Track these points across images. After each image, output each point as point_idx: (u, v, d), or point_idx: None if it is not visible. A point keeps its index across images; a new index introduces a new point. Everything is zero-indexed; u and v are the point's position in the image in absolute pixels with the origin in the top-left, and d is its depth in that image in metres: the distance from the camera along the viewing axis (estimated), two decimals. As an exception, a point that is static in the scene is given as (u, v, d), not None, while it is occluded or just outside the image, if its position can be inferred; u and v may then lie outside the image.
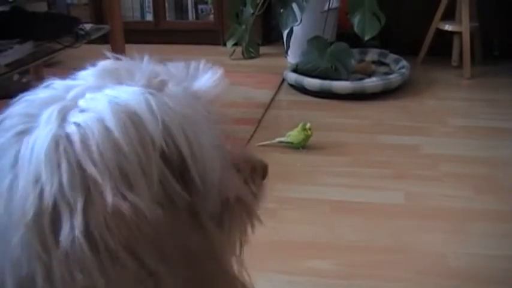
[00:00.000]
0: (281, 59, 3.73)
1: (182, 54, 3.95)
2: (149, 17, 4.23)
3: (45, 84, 0.64)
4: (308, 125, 2.39)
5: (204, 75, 0.69)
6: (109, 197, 0.51)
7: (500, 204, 1.99)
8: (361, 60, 3.46)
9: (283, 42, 3.59)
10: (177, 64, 0.67)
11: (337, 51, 3.16)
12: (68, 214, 0.51)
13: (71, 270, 0.51)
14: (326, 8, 3.38)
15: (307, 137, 2.39)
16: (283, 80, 3.28)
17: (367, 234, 1.83)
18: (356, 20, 3.06)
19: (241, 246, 0.72)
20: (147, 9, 4.22)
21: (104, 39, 2.83)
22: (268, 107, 2.91)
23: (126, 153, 0.53)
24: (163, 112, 0.56)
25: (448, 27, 3.44)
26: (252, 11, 3.59)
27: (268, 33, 4.13)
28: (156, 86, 0.60)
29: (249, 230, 0.71)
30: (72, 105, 0.57)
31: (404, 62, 3.29)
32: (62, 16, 3.08)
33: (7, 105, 0.67)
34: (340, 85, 2.99)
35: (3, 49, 2.24)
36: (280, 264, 1.67)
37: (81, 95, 0.58)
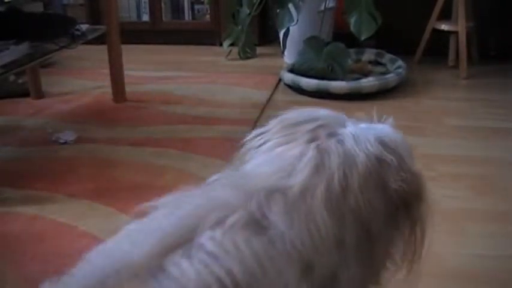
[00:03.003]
0: (278, 59, 3.73)
1: (179, 55, 3.95)
2: (145, 18, 4.23)
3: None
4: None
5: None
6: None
7: (497, 204, 1.99)
8: (358, 60, 3.46)
9: (279, 42, 3.59)
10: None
11: (333, 51, 3.16)
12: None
13: None
14: (322, 8, 3.38)
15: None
16: (280, 80, 3.28)
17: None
18: (352, 20, 3.06)
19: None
20: (143, 9, 4.22)
21: (100, 40, 2.83)
22: (264, 107, 2.91)
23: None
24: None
25: (444, 27, 3.45)
26: (248, 11, 3.59)
27: (265, 33, 4.13)
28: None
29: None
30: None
31: (400, 62, 3.29)
32: (58, 16, 3.08)
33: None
34: (337, 85, 2.99)
35: (-1, 50, 2.23)
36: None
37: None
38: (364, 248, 0.80)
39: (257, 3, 3.53)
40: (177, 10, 4.20)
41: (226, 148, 2.39)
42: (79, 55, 3.44)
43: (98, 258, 0.72)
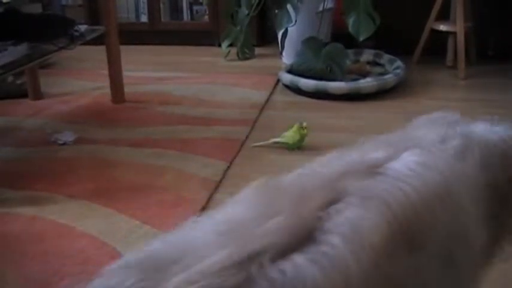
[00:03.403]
0: (276, 60, 3.73)
1: (177, 55, 3.95)
2: (144, 18, 4.23)
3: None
4: (304, 124, 2.38)
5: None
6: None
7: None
8: (356, 61, 3.46)
9: (278, 43, 3.59)
10: None
11: (332, 51, 3.16)
12: None
13: None
14: (321, 8, 3.38)
15: (303, 137, 2.39)
16: (278, 80, 3.29)
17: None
18: (351, 21, 3.06)
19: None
20: (142, 10, 4.22)
21: (99, 41, 2.83)
22: (263, 107, 2.92)
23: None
24: None
25: (442, 27, 3.45)
26: (247, 12, 3.60)
27: (263, 34, 4.13)
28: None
29: None
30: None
31: (399, 63, 3.30)
32: (57, 17, 3.08)
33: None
34: (336, 86, 3.00)
35: (-2, 50, 2.24)
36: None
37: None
38: (494, 210, 1.04)
39: (256, 4, 3.54)
40: (176, 11, 4.21)
41: (226, 148, 2.39)
42: (78, 56, 3.45)
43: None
